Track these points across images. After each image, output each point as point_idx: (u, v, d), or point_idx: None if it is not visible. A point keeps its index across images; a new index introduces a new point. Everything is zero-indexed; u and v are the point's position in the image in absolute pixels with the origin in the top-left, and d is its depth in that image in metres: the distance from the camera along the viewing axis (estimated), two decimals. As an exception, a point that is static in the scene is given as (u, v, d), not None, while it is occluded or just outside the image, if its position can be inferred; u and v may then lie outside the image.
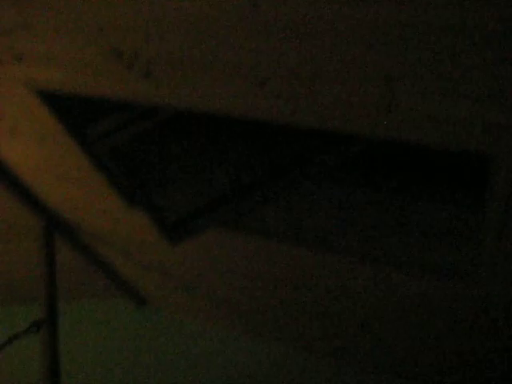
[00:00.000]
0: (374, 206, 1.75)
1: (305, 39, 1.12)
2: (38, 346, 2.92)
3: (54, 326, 3.08)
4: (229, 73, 1.32)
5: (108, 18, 1.28)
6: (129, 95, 1.55)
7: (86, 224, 2.95)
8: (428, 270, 1.76)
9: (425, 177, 1.87)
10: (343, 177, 1.84)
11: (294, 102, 1.33)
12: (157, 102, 1.54)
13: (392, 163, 1.88)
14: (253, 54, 1.23)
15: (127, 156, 1.96)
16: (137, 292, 3.91)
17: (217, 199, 1.86)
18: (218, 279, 2.63)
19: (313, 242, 1.88)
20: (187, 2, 1.14)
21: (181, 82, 1.43)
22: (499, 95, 1.10)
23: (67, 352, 3.10)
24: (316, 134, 1.68)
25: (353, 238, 1.82)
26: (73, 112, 1.84)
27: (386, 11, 0.98)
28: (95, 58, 1.45)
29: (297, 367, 3.38)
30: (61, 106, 1.80)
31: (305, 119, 1.38)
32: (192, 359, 3.67)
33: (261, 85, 1.30)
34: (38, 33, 1.41)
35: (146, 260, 3.03)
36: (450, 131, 1.25)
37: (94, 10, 1.26)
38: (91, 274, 3.65)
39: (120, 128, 1.83)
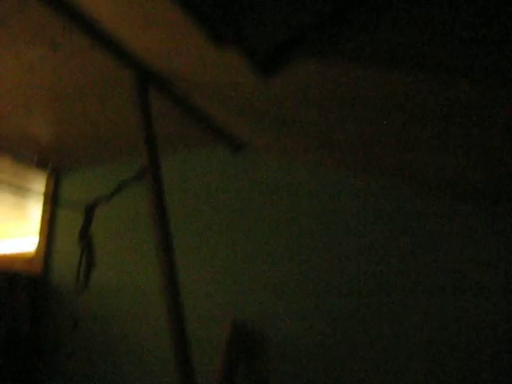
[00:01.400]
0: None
1: None
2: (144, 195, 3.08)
3: (156, 175, 3.22)
4: None
5: None
6: None
7: (177, 72, 2.95)
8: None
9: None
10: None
11: None
12: None
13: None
14: None
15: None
16: (232, 138, 3.98)
17: (309, 27, 1.77)
18: (313, 114, 2.60)
19: (408, 66, 1.79)
20: None
21: None
22: None
23: (171, 200, 3.24)
24: None
25: (451, 55, 1.70)
26: None
27: None
28: None
29: (397, 201, 3.40)
30: None
31: None
32: (291, 197, 3.76)
33: None
34: None
35: (239, 103, 3.03)
36: None
37: None
38: (186, 124, 3.72)
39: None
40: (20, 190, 5.21)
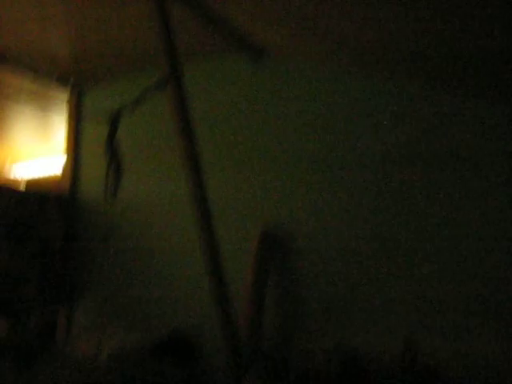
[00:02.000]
0: None
1: None
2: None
3: (179, 83, 3.17)
4: None
5: None
6: None
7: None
8: None
9: None
10: None
11: None
12: None
13: None
14: None
15: None
16: (253, 46, 3.86)
17: None
18: (334, 15, 2.49)
19: None
20: None
21: None
22: None
23: (194, 110, 3.20)
24: None
25: None
26: None
27: None
28: None
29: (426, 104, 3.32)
30: None
31: None
32: (313, 103, 3.69)
33: None
34: None
35: (261, 6, 2.92)
36: None
37: None
38: (207, 31, 3.61)
39: None
40: (43, 110, 5.21)
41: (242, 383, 3.29)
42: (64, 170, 4.75)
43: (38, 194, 4.29)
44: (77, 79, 4.70)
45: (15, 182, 5.23)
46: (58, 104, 4.94)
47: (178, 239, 4.07)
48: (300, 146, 3.71)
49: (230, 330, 3.40)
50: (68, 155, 4.75)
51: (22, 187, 4.95)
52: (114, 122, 2.95)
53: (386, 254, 3.37)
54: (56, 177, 5.01)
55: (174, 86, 3.16)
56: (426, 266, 3.24)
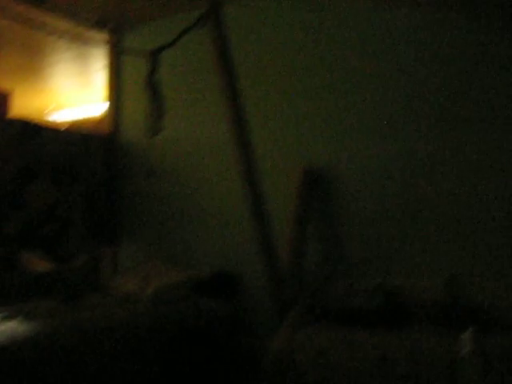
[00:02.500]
0: None
1: None
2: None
3: (218, 21, 3.12)
4: None
5: None
6: None
7: None
8: None
9: None
10: None
11: None
12: None
13: None
14: None
15: None
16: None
17: None
18: None
19: None
20: None
21: None
22: None
23: (234, 47, 3.16)
24: None
25: None
26: None
27: None
28: None
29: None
30: None
31: None
32: (356, 35, 3.61)
33: None
34: None
35: None
36: None
37: None
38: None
39: None
40: (83, 55, 5.22)
41: (284, 320, 3.34)
42: (105, 112, 4.78)
43: (80, 134, 4.34)
44: (116, 22, 4.68)
45: (58, 125, 5.30)
46: (97, 48, 4.94)
47: (220, 179, 4.09)
48: (344, 86, 3.64)
49: (273, 268, 3.44)
50: (109, 98, 4.77)
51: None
52: (153, 61, 2.93)
53: (429, 194, 3.33)
54: (97, 120, 5.07)
55: (214, 25, 3.12)
56: (469, 205, 3.19)
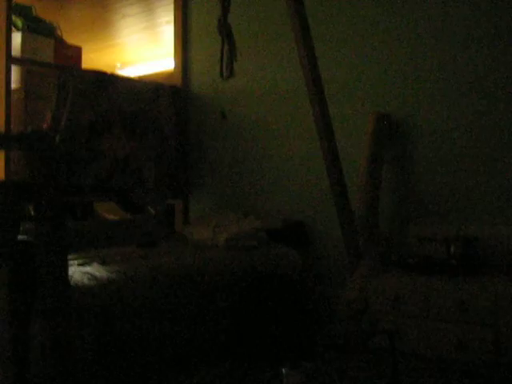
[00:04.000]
0: None
1: None
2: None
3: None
4: None
5: None
6: None
7: None
8: None
9: None
10: None
11: None
12: None
13: None
14: None
15: None
16: None
17: None
18: None
19: None
20: None
21: None
22: None
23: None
24: None
25: None
26: None
27: None
28: None
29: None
30: None
31: None
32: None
33: None
34: None
35: None
36: None
37: None
38: None
39: None
40: (150, 10, 5.22)
41: (358, 268, 3.31)
42: (174, 66, 4.78)
43: (152, 84, 4.36)
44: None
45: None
46: (164, 1, 4.93)
47: (293, 126, 4.03)
48: (419, 28, 3.51)
49: (346, 217, 3.40)
50: (177, 51, 4.76)
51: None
52: (226, 2, 2.88)
53: (508, 142, 3.20)
54: (167, 74, 5.07)
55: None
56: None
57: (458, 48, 3.37)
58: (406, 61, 3.56)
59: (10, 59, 3.84)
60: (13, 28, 4.06)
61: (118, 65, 6.16)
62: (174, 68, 4.77)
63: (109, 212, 4.44)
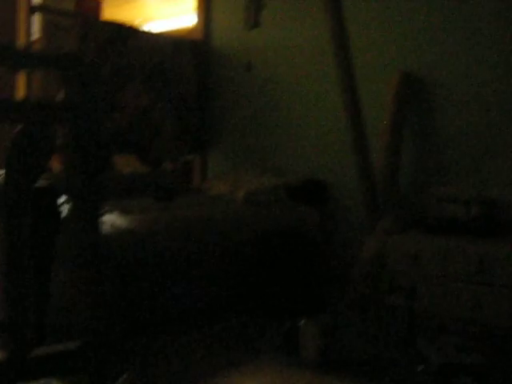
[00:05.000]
0: None
1: None
2: None
3: None
4: None
5: None
6: None
7: None
8: None
9: None
10: None
11: None
12: None
13: None
14: None
15: None
16: None
17: None
18: None
19: None
20: None
21: None
22: None
23: None
24: None
25: None
26: None
27: None
28: None
29: None
30: None
31: None
32: None
33: None
34: None
35: None
36: None
37: None
38: None
39: None
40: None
41: (376, 227, 3.30)
42: (196, 22, 4.70)
43: (172, 38, 4.31)
44: None
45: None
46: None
47: (317, 84, 3.96)
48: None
49: (367, 175, 3.37)
50: (199, 7, 4.68)
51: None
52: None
53: None
54: (188, 30, 5.00)
55: None
56: None
57: (485, 7, 3.28)
58: (433, 20, 3.47)
59: (31, 8, 3.80)
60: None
61: (138, 21, 6.09)
62: (197, 22, 4.68)
63: (124, 166, 4.42)
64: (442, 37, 3.43)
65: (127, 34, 3.87)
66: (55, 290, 2.48)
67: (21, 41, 3.74)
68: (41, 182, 2.25)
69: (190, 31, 4.85)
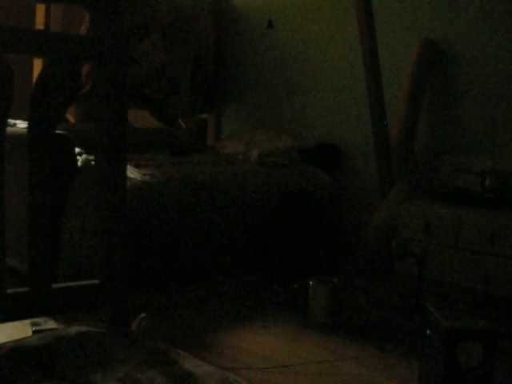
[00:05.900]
0: None
1: None
2: None
3: None
4: None
5: None
6: None
7: None
8: None
9: None
10: None
11: None
12: None
13: None
14: None
15: None
16: None
17: None
18: None
19: None
20: None
21: None
22: None
23: None
24: None
25: None
26: None
27: None
28: None
29: None
30: None
31: None
32: None
33: None
34: None
35: None
36: None
37: None
38: None
39: None
40: None
41: (389, 194, 3.29)
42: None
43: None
44: None
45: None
46: None
47: (337, 47, 3.90)
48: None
49: (382, 141, 3.36)
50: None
51: None
52: None
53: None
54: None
55: None
56: None
57: None
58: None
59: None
60: None
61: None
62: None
63: (139, 121, 4.40)
64: (466, 4, 3.37)
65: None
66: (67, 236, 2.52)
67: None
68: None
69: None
